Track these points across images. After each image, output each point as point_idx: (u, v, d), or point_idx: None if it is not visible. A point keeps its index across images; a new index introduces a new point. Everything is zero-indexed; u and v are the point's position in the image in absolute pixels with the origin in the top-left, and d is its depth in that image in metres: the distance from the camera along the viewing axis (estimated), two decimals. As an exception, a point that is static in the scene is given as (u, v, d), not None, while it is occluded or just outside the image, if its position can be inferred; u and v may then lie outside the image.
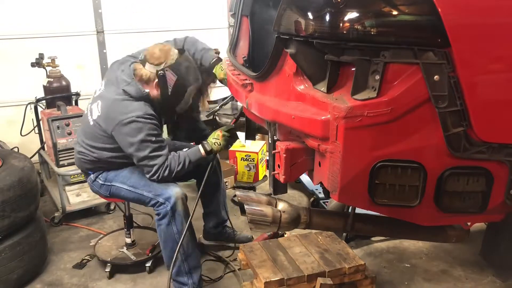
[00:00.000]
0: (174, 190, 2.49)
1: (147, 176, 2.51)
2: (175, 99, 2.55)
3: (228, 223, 3.11)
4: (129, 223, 2.95)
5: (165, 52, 2.50)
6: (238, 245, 3.09)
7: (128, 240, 2.98)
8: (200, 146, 2.61)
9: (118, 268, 2.89)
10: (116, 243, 3.07)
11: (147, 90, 2.51)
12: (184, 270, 2.54)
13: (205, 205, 3.04)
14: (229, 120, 2.80)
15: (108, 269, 2.84)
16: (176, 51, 2.54)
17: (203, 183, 2.63)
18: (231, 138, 2.65)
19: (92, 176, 2.67)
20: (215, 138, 2.61)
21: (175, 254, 2.46)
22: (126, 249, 2.97)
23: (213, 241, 3.12)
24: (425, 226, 1.92)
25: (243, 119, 2.68)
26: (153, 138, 2.44)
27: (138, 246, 3.01)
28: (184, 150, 2.60)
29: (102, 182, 2.64)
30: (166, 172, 2.47)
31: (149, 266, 2.85)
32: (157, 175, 2.47)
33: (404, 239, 3.06)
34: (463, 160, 1.64)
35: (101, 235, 3.20)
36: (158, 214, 2.51)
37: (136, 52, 2.67)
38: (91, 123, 2.56)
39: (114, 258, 2.90)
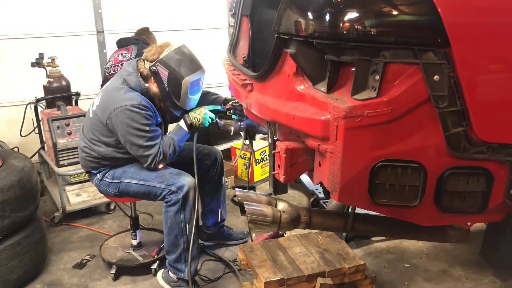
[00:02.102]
0: (187, 180, 2.51)
1: (144, 166, 2.54)
2: (174, 94, 2.56)
3: (225, 222, 3.12)
4: (135, 224, 2.93)
5: (161, 48, 2.54)
6: (235, 243, 3.12)
7: (134, 242, 2.97)
8: (181, 120, 2.64)
9: (123, 270, 2.87)
10: (122, 245, 3.05)
11: (146, 85, 2.57)
12: (184, 258, 2.56)
13: (206, 203, 3.04)
14: (229, 121, 2.79)
15: (113, 271, 2.82)
16: (174, 46, 2.56)
17: (195, 171, 2.60)
18: (212, 116, 2.67)
19: (98, 176, 2.67)
20: (196, 113, 2.64)
21: (189, 240, 2.50)
22: (133, 250, 2.95)
23: (209, 241, 3.12)
24: (425, 226, 1.92)
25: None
26: (147, 128, 2.46)
27: (144, 248, 3.00)
28: (167, 133, 2.64)
29: (110, 180, 2.63)
30: (161, 158, 2.51)
31: (154, 268, 2.83)
32: (153, 163, 2.51)
33: (404, 239, 3.05)
34: (463, 160, 1.64)
35: (108, 237, 3.18)
36: (168, 202, 2.51)
37: None
38: (91, 115, 2.62)
39: (120, 260, 2.88)
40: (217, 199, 3.01)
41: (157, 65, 2.52)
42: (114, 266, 2.83)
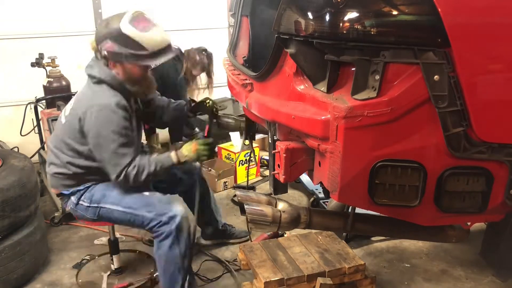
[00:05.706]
0: (179, 208, 2.27)
1: (112, 177, 2.23)
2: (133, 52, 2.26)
3: (225, 224, 3.11)
4: (114, 248, 2.72)
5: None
6: (238, 241, 3.12)
7: (113, 267, 2.78)
8: (173, 153, 2.35)
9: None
10: (104, 267, 2.87)
11: (113, 72, 2.29)
12: None
13: (199, 216, 2.77)
14: (230, 120, 2.79)
15: None
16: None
17: (196, 209, 2.54)
18: (207, 151, 2.43)
19: (73, 199, 2.38)
20: (187, 151, 2.39)
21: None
22: (108, 277, 2.74)
23: (212, 240, 3.11)
24: (425, 226, 1.92)
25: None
26: (123, 131, 2.19)
27: (125, 273, 2.78)
28: (154, 155, 2.36)
29: (88, 204, 2.35)
30: (134, 171, 2.20)
31: None
32: (122, 175, 2.20)
33: (404, 239, 3.06)
34: (463, 160, 1.64)
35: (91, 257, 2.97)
36: (159, 235, 2.26)
37: None
38: (63, 121, 2.35)
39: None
40: (209, 209, 2.92)
41: (100, 46, 2.31)
42: None
